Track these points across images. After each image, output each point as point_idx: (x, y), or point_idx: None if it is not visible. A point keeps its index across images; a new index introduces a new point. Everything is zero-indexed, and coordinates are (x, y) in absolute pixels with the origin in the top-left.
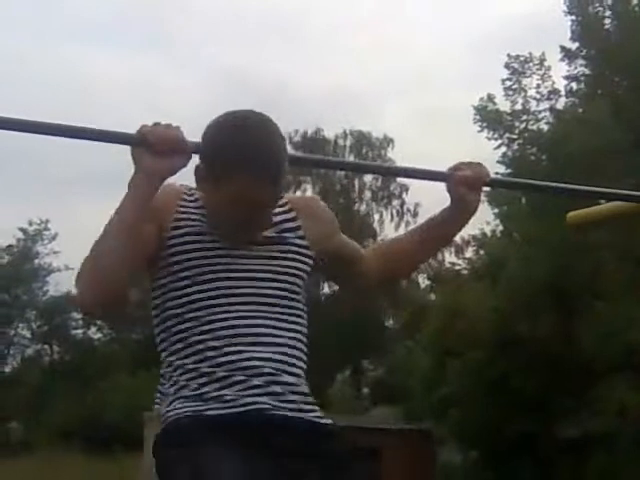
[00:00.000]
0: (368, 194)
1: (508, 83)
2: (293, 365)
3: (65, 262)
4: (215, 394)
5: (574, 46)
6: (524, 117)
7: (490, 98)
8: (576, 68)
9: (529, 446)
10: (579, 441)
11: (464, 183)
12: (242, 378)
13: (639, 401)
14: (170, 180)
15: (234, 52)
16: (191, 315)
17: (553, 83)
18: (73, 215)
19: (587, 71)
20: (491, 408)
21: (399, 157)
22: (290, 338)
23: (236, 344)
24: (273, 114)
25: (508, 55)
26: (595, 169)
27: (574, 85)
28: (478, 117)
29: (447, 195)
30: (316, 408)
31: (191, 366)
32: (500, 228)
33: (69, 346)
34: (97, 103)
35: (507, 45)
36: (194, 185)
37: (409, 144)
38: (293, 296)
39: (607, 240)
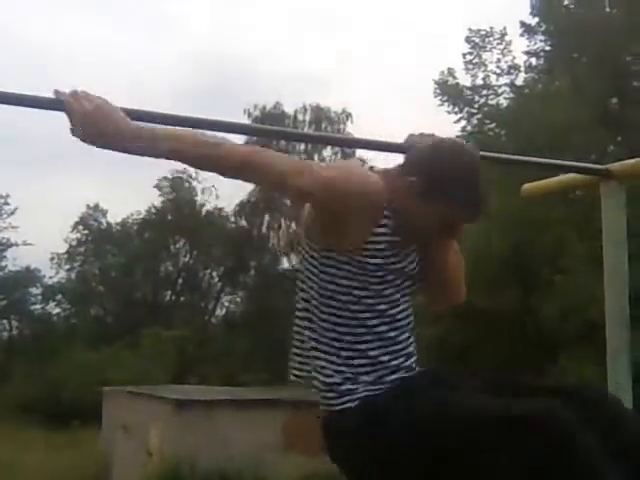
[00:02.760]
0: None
1: (469, 57)
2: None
3: (24, 237)
4: (388, 378)
5: (534, 21)
6: (484, 92)
7: (450, 72)
8: (536, 44)
9: None
10: None
11: None
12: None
13: (599, 374)
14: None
15: (202, 30)
16: (380, 308)
17: (513, 58)
18: (32, 190)
19: (546, 47)
20: None
21: (358, 132)
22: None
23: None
24: (241, 90)
25: (469, 29)
26: (555, 145)
27: (533, 60)
28: (438, 91)
29: None
30: None
31: (372, 353)
32: None
33: (28, 321)
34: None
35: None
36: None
37: (367, 119)
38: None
39: (567, 215)
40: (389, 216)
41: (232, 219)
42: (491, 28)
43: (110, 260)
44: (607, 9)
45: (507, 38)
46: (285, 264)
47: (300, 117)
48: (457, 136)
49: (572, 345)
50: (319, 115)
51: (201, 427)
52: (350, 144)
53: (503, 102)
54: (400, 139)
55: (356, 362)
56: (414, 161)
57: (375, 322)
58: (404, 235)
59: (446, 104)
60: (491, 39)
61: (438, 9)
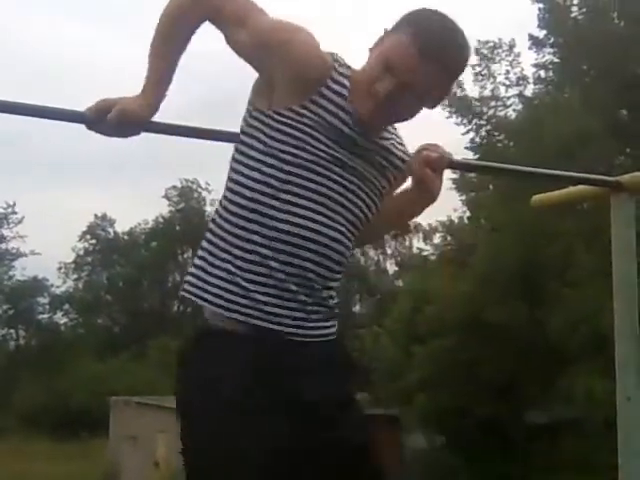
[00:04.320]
0: None
1: (477, 69)
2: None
3: (31, 246)
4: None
5: (542, 34)
6: (492, 103)
7: (459, 83)
8: (544, 56)
9: (497, 432)
10: (547, 427)
11: (428, 163)
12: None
13: (607, 388)
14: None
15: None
16: (287, 196)
17: (522, 69)
18: (40, 199)
19: (555, 59)
20: (459, 394)
21: None
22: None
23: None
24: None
25: (478, 41)
26: (564, 156)
27: (542, 73)
28: (446, 102)
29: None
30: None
31: (262, 252)
32: (468, 214)
33: (35, 331)
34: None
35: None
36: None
37: None
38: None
39: (576, 227)
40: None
41: None
42: (499, 39)
43: (117, 270)
44: (616, 21)
45: (516, 50)
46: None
47: None
48: (465, 148)
49: (581, 358)
50: None
51: None
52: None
53: (512, 114)
54: (409, 149)
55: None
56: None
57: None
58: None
59: (454, 116)
60: (499, 51)
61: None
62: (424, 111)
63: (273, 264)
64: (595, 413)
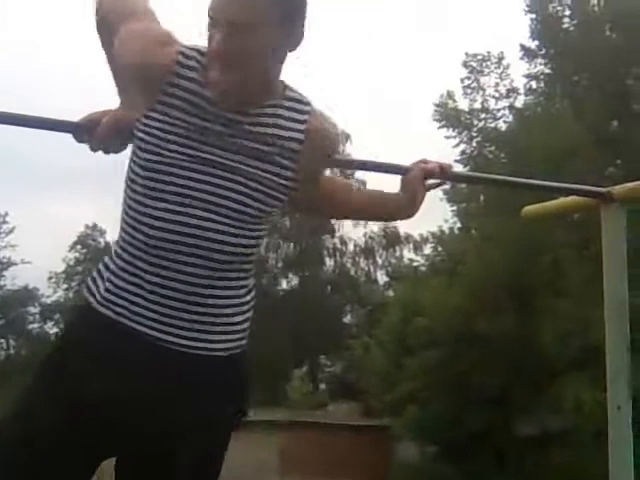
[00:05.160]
0: None
1: (467, 82)
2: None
3: (22, 256)
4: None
5: (534, 45)
6: (483, 115)
7: (450, 95)
8: (536, 67)
9: (487, 442)
10: (537, 437)
11: (428, 174)
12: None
13: (596, 398)
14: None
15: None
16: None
17: (512, 81)
18: (31, 209)
19: (547, 70)
20: (450, 405)
21: (357, 154)
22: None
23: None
24: None
25: (466, 54)
26: (555, 167)
27: (534, 84)
28: (437, 114)
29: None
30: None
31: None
32: (458, 225)
33: (25, 340)
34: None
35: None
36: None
37: (366, 141)
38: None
39: (565, 239)
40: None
41: None
42: (488, 52)
43: None
44: (607, 32)
45: (505, 62)
46: (284, 285)
47: None
48: (456, 160)
49: (571, 369)
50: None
51: None
52: (349, 165)
53: (502, 125)
54: (399, 161)
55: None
56: None
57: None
58: None
59: (445, 128)
60: (488, 63)
61: (437, 32)
62: (415, 122)
63: (146, 276)
64: (585, 424)
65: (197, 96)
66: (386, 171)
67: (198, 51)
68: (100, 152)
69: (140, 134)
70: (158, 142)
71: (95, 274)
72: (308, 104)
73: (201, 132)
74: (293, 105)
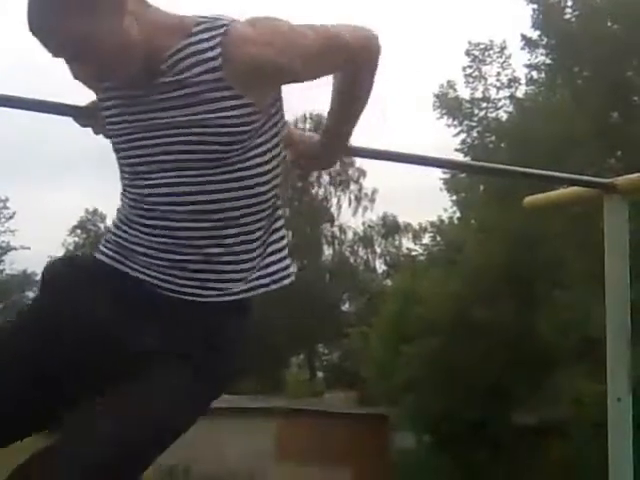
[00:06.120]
0: (326, 178)
1: (468, 70)
2: None
3: (21, 241)
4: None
5: (535, 34)
6: (484, 105)
7: (450, 85)
8: (537, 57)
9: (484, 433)
10: (535, 429)
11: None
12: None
13: (595, 390)
14: None
15: None
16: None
17: (513, 71)
18: (32, 194)
19: (548, 60)
20: (447, 394)
21: (357, 142)
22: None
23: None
24: None
25: (469, 42)
26: (555, 158)
27: (534, 74)
28: (438, 104)
29: (403, 181)
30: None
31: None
32: (458, 215)
33: None
34: None
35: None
36: None
37: (367, 129)
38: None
39: (565, 229)
40: None
41: None
42: (491, 41)
43: None
44: (609, 23)
45: (507, 51)
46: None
47: (300, 125)
48: (456, 149)
49: (569, 360)
50: (320, 124)
51: (195, 434)
52: (350, 153)
53: (503, 115)
54: (399, 149)
55: None
56: None
57: None
58: None
59: (445, 117)
60: (491, 52)
61: (439, 21)
62: (416, 111)
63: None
64: (583, 415)
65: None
66: (385, 159)
67: None
68: (101, 135)
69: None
70: (111, 125)
71: None
72: (220, 26)
73: (128, 102)
74: (201, 37)
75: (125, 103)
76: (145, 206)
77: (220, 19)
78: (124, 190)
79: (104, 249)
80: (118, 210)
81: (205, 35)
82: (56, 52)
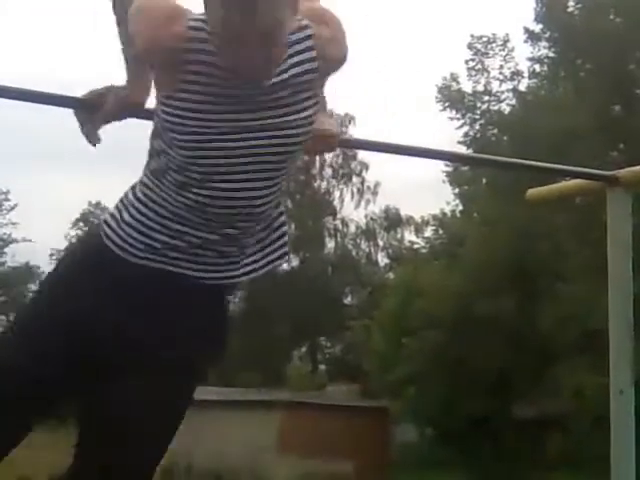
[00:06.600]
0: (329, 171)
1: (471, 63)
2: None
3: (23, 233)
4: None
5: (538, 28)
6: (486, 98)
7: (453, 78)
8: (539, 50)
9: (486, 425)
10: (536, 421)
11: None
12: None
13: (596, 384)
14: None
15: None
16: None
17: (516, 64)
18: (33, 187)
19: (550, 53)
20: (448, 387)
21: (360, 136)
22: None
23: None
24: None
25: (471, 35)
26: (558, 151)
27: (537, 67)
28: (440, 96)
29: (406, 174)
30: None
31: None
32: (460, 208)
33: None
34: None
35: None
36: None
37: (370, 123)
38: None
39: (567, 222)
40: None
41: None
42: (493, 34)
43: None
44: (612, 16)
45: (510, 44)
46: (285, 266)
47: None
48: (459, 142)
49: (571, 354)
50: None
51: (197, 427)
52: (353, 145)
53: (506, 108)
54: (401, 142)
55: None
56: None
57: None
58: None
59: (448, 110)
60: (493, 45)
61: (442, 14)
62: (419, 104)
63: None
64: (585, 408)
65: (213, 67)
66: (388, 151)
67: (204, 20)
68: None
69: (168, 117)
70: (190, 122)
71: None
72: (306, 27)
73: (227, 100)
74: (298, 36)
75: (223, 101)
76: (215, 209)
77: (302, 22)
78: (181, 189)
79: (145, 254)
80: (156, 213)
81: (300, 35)
82: (260, 42)
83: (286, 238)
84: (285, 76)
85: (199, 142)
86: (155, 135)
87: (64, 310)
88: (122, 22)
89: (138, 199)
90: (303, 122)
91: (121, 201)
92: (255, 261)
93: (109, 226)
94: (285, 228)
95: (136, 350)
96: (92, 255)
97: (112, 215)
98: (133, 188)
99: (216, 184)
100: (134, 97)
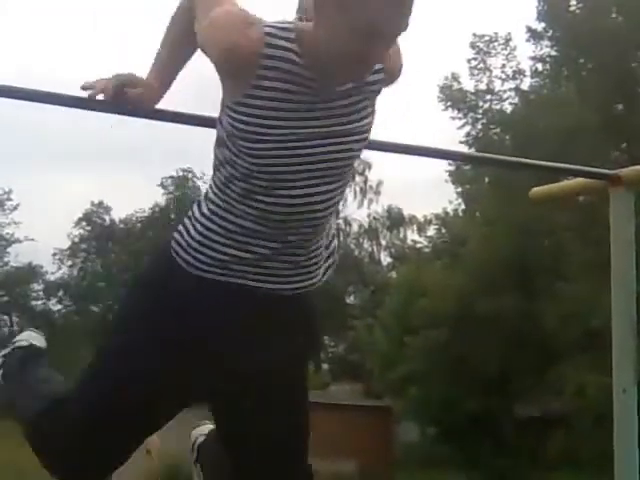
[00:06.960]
0: None
1: (473, 62)
2: None
3: (26, 233)
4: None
5: (540, 27)
6: (488, 97)
7: (455, 77)
8: (542, 49)
9: (488, 424)
10: (538, 420)
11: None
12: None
13: (599, 382)
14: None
15: None
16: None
17: (518, 63)
18: (36, 186)
19: (552, 52)
20: (451, 386)
21: None
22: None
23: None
24: None
25: (473, 34)
26: (560, 150)
27: (539, 66)
28: (442, 96)
29: (408, 174)
30: None
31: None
32: (462, 207)
33: (29, 317)
34: None
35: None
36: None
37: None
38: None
39: (569, 222)
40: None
41: None
42: (495, 33)
43: (112, 257)
44: (614, 15)
45: (512, 43)
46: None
47: None
48: (461, 141)
49: (572, 352)
50: None
51: None
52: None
53: (508, 107)
54: (404, 141)
55: None
56: None
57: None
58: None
59: (450, 109)
60: (495, 44)
61: (444, 13)
62: (421, 104)
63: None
64: (587, 407)
65: (291, 73)
66: (390, 151)
67: (285, 29)
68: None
69: (238, 124)
70: (261, 129)
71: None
72: None
73: (301, 107)
74: None
75: (297, 107)
76: (279, 216)
77: None
78: (245, 198)
79: (214, 269)
80: (222, 227)
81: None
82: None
83: (336, 243)
84: (361, 82)
85: (269, 150)
86: (219, 144)
87: (161, 328)
88: (178, 25)
89: (203, 214)
90: (364, 129)
91: (188, 217)
92: (318, 267)
93: (178, 244)
94: (335, 235)
95: (247, 367)
96: (167, 276)
97: (180, 232)
98: (199, 203)
99: (281, 191)
100: (151, 98)
